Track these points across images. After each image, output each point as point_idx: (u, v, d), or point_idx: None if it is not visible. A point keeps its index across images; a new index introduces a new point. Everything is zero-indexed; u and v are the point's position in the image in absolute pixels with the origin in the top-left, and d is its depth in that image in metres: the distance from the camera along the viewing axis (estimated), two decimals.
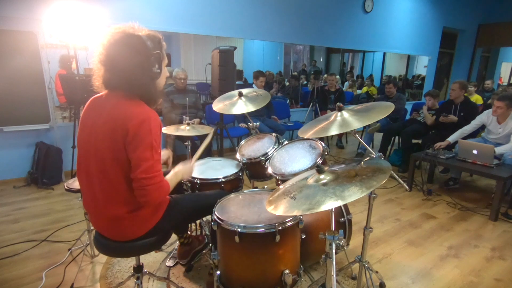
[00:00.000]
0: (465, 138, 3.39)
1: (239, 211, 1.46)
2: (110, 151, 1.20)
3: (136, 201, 1.26)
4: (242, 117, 4.36)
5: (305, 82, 6.41)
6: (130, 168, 1.22)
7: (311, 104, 5.38)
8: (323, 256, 1.35)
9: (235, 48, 3.27)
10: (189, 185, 1.90)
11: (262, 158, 2.01)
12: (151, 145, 1.20)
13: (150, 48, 1.25)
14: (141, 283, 1.59)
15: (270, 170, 1.91)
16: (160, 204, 1.39)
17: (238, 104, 2.18)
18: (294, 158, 1.91)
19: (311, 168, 1.73)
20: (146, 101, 1.29)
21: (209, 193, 1.68)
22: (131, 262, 2.13)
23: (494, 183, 3.39)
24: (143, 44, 1.23)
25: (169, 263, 2.11)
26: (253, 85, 4.51)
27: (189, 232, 2.05)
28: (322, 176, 1.21)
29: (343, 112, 1.53)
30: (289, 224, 1.32)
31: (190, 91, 3.99)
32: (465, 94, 3.93)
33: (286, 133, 5.07)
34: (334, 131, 1.44)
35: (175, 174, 1.44)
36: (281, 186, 1.38)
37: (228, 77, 3.25)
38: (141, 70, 1.24)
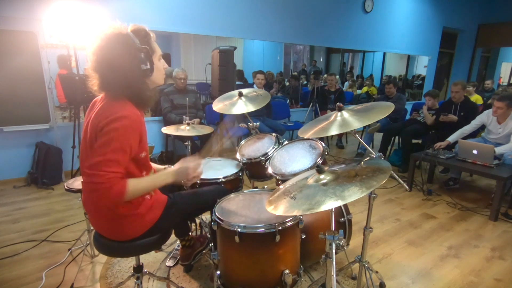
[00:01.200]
0: (465, 138, 3.39)
1: (239, 211, 1.46)
2: (96, 152, 1.21)
3: (134, 200, 1.27)
4: (242, 117, 4.35)
5: (305, 82, 6.41)
6: (127, 169, 1.22)
7: (311, 104, 5.38)
8: (323, 256, 1.35)
9: (235, 48, 3.27)
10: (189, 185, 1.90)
11: (262, 158, 2.01)
12: (110, 142, 1.12)
13: (137, 45, 1.22)
14: (141, 283, 1.59)
15: (270, 170, 1.91)
16: (158, 202, 1.39)
17: (238, 104, 2.19)
18: (294, 158, 1.91)
19: (311, 168, 1.73)
20: (137, 101, 1.26)
21: (207, 190, 1.68)
22: (131, 262, 2.13)
23: (494, 183, 3.38)
24: (129, 42, 1.21)
25: (169, 263, 2.11)
26: (254, 86, 4.50)
27: (190, 233, 2.05)
28: (322, 176, 1.21)
29: (343, 112, 1.53)
30: (289, 224, 1.32)
31: (190, 91, 3.99)
32: (465, 94, 3.94)
33: (286, 133, 5.07)
34: (334, 131, 1.44)
35: (158, 176, 1.30)
36: (281, 186, 1.38)
37: (228, 77, 3.25)
38: (131, 70, 1.21)
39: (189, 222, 2.17)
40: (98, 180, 1.10)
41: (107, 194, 1.11)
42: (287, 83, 6.16)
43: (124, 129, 1.15)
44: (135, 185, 1.20)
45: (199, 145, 3.99)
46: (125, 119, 1.15)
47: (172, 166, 1.41)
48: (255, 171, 2.08)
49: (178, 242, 2.13)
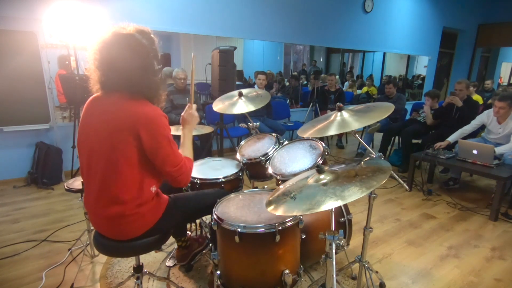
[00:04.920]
0: (465, 138, 3.39)
1: (239, 211, 1.46)
2: (116, 150, 1.21)
3: (137, 200, 1.28)
4: (242, 117, 4.36)
5: (305, 82, 6.41)
6: (138, 167, 1.25)
7: (311, 104, 5.38)
8: (323, 256, 1.35)
9: (235, 48, 3.27)
10: (189, 185, 1.90)
11: (262, 158, 2.01)
12: (168, 140, 1.26)
13: (146, 46, 1.24)
14: (141, 283, 1.59)
15: (270, 170, 1.91)
16: (160, 203, 1.39)
17: (238, 104, 2.19)
18: (294, 158, 1.91)
19: (311, 168, 1.73)
20: (150, 100, 1.29)
21: (208, 192, 1.68)
22: (131, 262, 2.13)
23: (494, 183, 3.39)
24: (139, 42, 1.22)
25: (169, 263, 2.11)
26: (255, 86, 4.50)
27: (188, 233, 2.05)
28: (322, 176, 1.21)
29: (343, 112, 1.53)
30: (289, 224, 1.32)
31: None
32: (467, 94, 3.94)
33: (286, 133, 5.07)
34: (334, 131, 1.44)
35: (186, 138, 1.52)
36: (281, 186, 1.38)
37: (228, 77, 3.25)
38: (143, 70, 1.24)
39: (188, 223, 2.18)
40: (182, 170, 1.32)
41: (188, 172, 1.36)
42: (287, 83, 6.16)
43: (165, 123, 1.26)
44: (188, 150, 1.47)
45: (199, 145, 3.99)
46: (161, 116, 1.25)
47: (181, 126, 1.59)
48: (255, 171, 2.08)
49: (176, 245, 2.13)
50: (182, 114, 1.57)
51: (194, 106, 1.61)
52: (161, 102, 1.35)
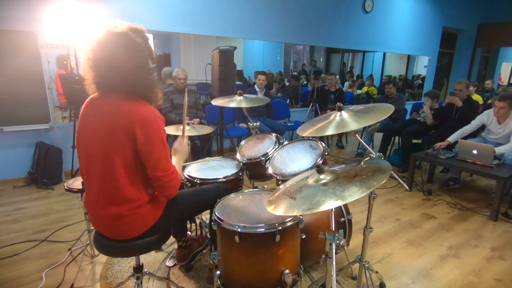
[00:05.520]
0: (465, 138, 3.39)
1: (239, 211, 1.46)
2: (113, 151, 1.21)
3: (136, 199, 1.28)
4: (242, 117, 4.36)
5: (305, 82, 6.41)
6: (136, 168, 1.24)
7: (311, 104, 5.38)
8: (323, 256, 1.35)
9: (235, 48, 3.27)
10: (189, 185, 1.90)
11: (262, 158, 2.01)
12: (163, 143, 1.24)
13: (141, 44, 1.23)
14: (141, 283, 1.59)
15: (270, 170, 1.91)
16: (160, 202, 1.39)
17: (237, 100, 2.20)
18: (294, 158, 1.91)
19: (311, 168, 1.73)
20: (147, 99, 1.28)
21: (208, 188, 1.68)
22: (131, 262, 2.13)
23: (494, 183, 3.39)
24: (133, 41, 1.21)
25: (169, 263, 2.11)
26: (255, 86, 4.50)
27: (188, 233, 2.05)
28: (322, 176, 1.22)
29: (343, 112, 1.53)
30: (289, 224, 1.32)
31: (190, 91, 3.99)
32: (467, 94, 3.94)
33: (286, 133, 5.07)
34: (333, 130, 1.43)
35: (177, 162, 1.49)
36: (281, 186, 1.38)
37: (228, 77, 3.25)
38: (138, 69, 1.23)
39: (188, 222, 2.18)
40: (172, 177, 1.28)
41: (177, 182, 1.32)
42: (287, 83, 6.16)
43: (162, 126, 1.25)
44: (179, 168, 1.43)
45: (199, 145, 3.99)
46: (158, 118, 1.24)
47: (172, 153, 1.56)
48: (255, 171, 2.08)
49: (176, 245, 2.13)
50: (174, 144, 1.57)
51: (186, 138, 1.62)
52: (158, 100, 1.34)
